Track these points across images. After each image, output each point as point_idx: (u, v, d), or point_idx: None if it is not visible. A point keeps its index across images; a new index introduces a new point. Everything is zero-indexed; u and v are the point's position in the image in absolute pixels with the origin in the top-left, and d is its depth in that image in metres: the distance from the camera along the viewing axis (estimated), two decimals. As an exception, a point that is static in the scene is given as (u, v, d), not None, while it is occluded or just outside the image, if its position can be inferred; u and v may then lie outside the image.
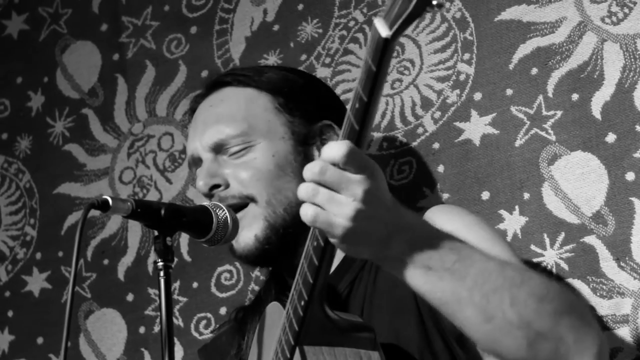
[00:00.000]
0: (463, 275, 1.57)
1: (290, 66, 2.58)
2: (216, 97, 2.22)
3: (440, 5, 1.39)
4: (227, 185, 2.13)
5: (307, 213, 1.55)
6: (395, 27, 1.43)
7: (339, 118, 1.72)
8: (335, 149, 1.51)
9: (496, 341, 1.60)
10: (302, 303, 1.71)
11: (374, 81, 1.48)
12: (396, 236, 1.56)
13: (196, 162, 2.20)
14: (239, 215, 2.04)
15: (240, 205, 2.10)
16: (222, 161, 2.15)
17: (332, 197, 1.53)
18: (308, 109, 2.19)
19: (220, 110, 2.19)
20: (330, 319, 1.78)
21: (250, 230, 2.10)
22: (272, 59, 2.81)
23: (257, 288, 2.65)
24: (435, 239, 1.59)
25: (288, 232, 2.10)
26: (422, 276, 1.58)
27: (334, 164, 1.52)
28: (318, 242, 1.62)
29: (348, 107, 1.54)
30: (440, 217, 1.96)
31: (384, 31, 1.44)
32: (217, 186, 2.13)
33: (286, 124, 2.16)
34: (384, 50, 1.46)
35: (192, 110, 2.29)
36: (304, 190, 1.55)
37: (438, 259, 1.57)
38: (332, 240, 1.57)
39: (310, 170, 1.54)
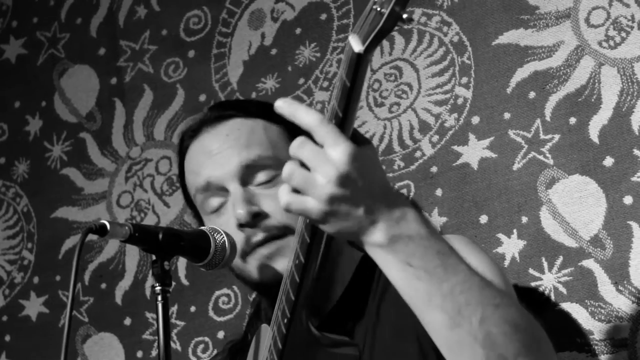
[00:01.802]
0: (442, 280, 1.54)
1: (287, 91, 2.56)
2: (228, 126, 2.07)
3: (410, 20, 1.41)
4: (267, 216, 2.00)
5: (281, 198, 1.53)
6: (368, 42, 1.44)
7: None
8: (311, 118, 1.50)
9: (455, 351, 1.57)
10: (285, 321, 1.71)
11: (348, 97, 1.48)
12: (380, 225, 1.53)
13: (209, 188, 2.05)
14: (278, 244, 1.97)
15: (279, 235, 1.99)
16: (252, 191, 2.02)
17: (306, 179, 1.50)
18: None
19: (241, 137, 2.04)
20: (314, 336, 1.78)
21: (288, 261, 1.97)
22: (270, 83, 2.81)
23: (255, 312, 2.64)
24: (424, 239, 1.54)
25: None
26: (400, 271, 1.55)
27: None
28: (299, 260, 1.62)
29: None
30: None
31: (357, 46, 1.46)
32: (258, 215, 1.99)
33: None
34: (357, 65, 1.46)
35: (184, 148, 2.12)
36: (284, 171, 1.52)
37: (420, 258, 1.54)
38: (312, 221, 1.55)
39: (292, 144, 1.52)
